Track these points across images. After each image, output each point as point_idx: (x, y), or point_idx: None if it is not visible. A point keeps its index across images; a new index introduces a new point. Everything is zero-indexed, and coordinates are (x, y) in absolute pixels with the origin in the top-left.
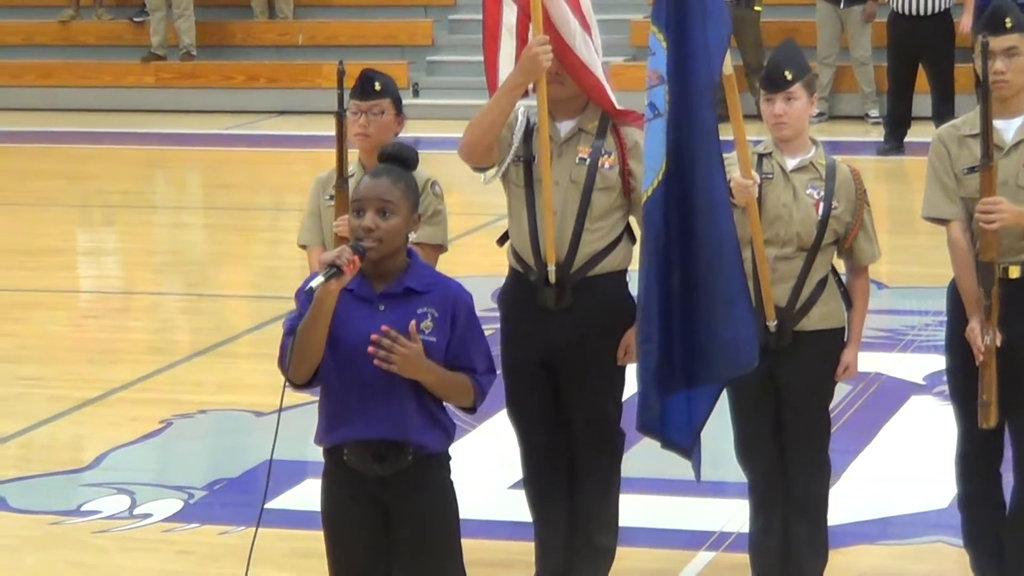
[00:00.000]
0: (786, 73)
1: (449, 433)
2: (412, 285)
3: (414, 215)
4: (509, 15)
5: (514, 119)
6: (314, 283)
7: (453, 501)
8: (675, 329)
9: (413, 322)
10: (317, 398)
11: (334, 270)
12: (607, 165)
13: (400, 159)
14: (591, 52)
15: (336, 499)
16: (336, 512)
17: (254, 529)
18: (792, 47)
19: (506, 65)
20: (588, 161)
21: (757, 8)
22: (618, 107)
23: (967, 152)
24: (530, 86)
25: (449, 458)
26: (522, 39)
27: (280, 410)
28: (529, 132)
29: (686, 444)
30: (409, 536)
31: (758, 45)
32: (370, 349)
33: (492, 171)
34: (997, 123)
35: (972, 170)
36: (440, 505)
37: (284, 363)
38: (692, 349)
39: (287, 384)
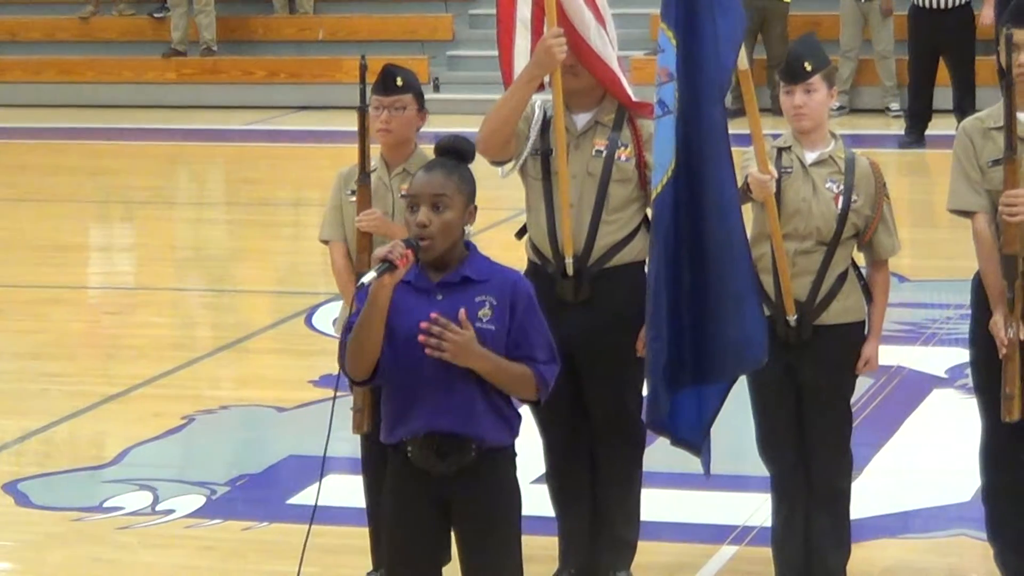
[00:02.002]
0: (806, 65)
1: (513, 427)
2: (470, 274)
3: (470, 206)
4: (523, 9)
5: (531, 112)
6: (366, 279)
7: (516, 497)
8: (684, 326)
9: (463, 310)
10: (343, 394)
11: (386, 265)
12: (624, 157)
13: (456, 152)
14: (606, 44)
15: (400, 498)
16: (400, 511)
17: (277, 525)
18: (811, 39)
19: (521, 59)
20: (605, 153)
21: (786, 0)
22: (634, 99)
23: (992, 144)
24: (546, 79)
25: (515, 453)
26: (537, 32)
27: (333, 401)
28: (546, 125)
29: (696, 441)
30: (471, 530)
31: (784, 39)
32: (420, 338)
33: (510, 165)
34: (1021, 116)
35: (997, 163)
36: (503, 500)
37: (342, 359)
38: (701, 346)
39: (338, 380)
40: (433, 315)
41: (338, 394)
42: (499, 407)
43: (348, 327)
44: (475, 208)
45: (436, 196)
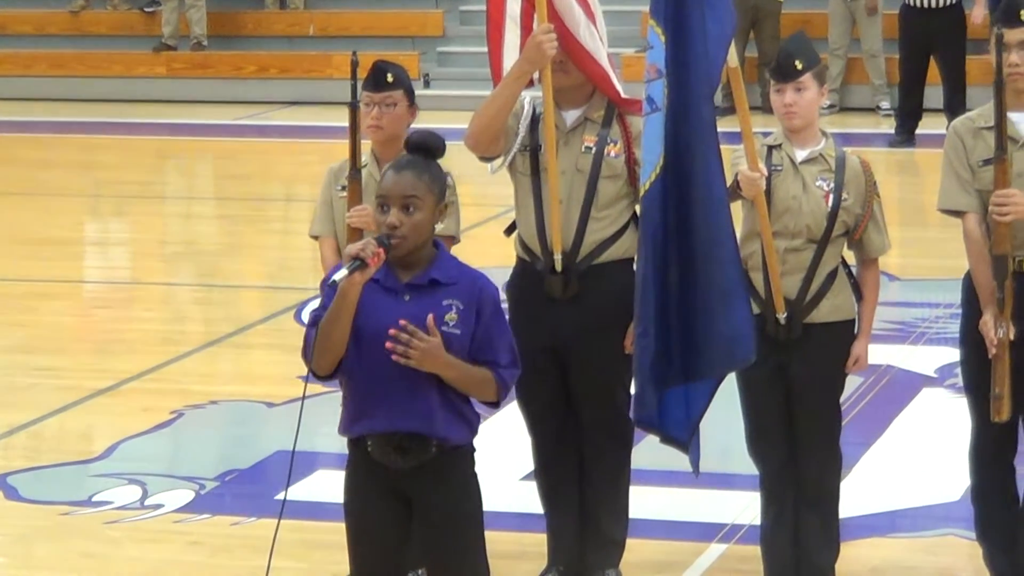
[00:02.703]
0: (796, 63)
1: (473, 426)
2: (438, 276)
3: (440, 205)
4: (513, 5)
5: (520, 108)
6: (337, 276)
7: (477, 494)
8: (672, 323)
9: (431, 316)
10: (331, 390)
11: (358, 263)
12: (612, 153)
13: (425, 148)
14: (595, 41)
15: (360, 491)
16: (359, 504)
17: (266, 520)
18: (802, 37)
19: (510, 55)
20: (594, 150)
21: None
22: (623, 96)
23: (982, 144)
24: (535, 75)
25: (473, 451)
26: (526, 29)
27: (303, 399)
28: (535, 121)
29: (684, 438)
30: (432, 529)
31: (775, 37)
32: (388, 345)
33: (499, 161)
34: (1012, 115)
35: (988, 162)
36: (464, 498)
37: (308, 354)
38: (689, 343)
39: (309, 375)
40: (402, 322)
41: (325, 390)
42: (459, 407)
43: (314, 321)
44: (445, 206)
45: (407, 197)
